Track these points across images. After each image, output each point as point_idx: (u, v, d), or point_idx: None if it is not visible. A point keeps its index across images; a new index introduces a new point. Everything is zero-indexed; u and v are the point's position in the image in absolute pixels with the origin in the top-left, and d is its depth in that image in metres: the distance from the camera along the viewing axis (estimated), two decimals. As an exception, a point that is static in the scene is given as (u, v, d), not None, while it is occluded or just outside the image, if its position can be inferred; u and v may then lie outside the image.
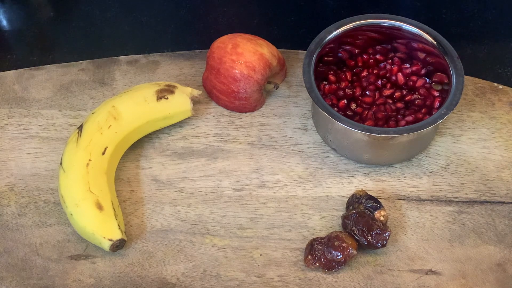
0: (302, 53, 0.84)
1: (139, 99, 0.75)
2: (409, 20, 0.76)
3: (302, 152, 0.76)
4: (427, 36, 0.75)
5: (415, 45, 0.77)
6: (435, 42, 0.74)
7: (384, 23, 0.76)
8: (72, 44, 0.88)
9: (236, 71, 0.76)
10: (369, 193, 0.71)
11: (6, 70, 0.84)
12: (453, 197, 0.72)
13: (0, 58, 0.87)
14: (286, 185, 0.74)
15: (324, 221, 0.71)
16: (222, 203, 0.73)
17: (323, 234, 0.70)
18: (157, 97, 0.75)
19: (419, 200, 0.72)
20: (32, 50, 0.88)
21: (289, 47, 0.85)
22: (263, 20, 0.92)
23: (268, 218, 0.72)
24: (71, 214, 0.68)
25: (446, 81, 0.75)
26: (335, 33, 0.76)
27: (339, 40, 0.77)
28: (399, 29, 0.76)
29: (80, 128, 0.73)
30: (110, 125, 0.73)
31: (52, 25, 0.91)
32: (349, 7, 0.92)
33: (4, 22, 0.91)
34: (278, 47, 0.79)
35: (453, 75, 0.73)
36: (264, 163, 0.76)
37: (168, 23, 0.91)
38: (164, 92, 0.76)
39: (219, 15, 0.92)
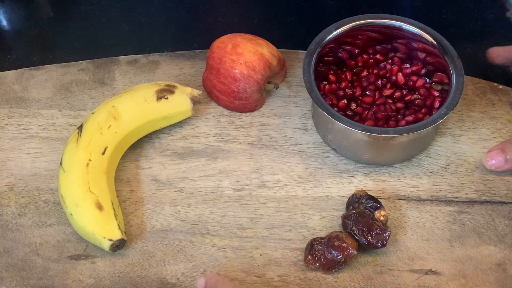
0: (302, 53, 0.84)
1: (139, 99, 0.75)
2: (409, 20, 0.76)
3: (302, 152, 0.76)
4: (427, 36, 0.75)
5: (415, 45, 0.77)
6: (435, 42, 0.74)
7: (384, 23, 0.76)
8: (72, 44, 0.88)
9: (236, 71, 0.76)
10: (369, 193, 0.71)
11: (6, 70, 0.84)
12: (453, 197, 0.72)
13: (0, 58, 0.87)
14: (286, 185, 0.74)
15: (324, 221, 0.71)
16: (222, 203, 0.73)
17: (323, 234, 0.70)
18: (157, 97, 0.75)
19: (419, 200, 0.72)
20: (32, 50, 0.88)
21: (289, 47, 0.85)
22: (263, 20, 0.92)
23: (268, 218, 0.72)
24: (71, 214, 0.68)
25: (446, 81, 0.75)
26: (335, 33, 0.76)
27: (339, 40, 0.77)
28: (399, 29, 0.76)
29: (80, 128, 0.73)
30: (110, 125, 0.73)
31: (52, 25, 0.91)
32: (349, 7, 0.92)
33: (4, 22, 0.91)
34: (278, 47, 0.79)
35: (453, 75, 0.72)
36: (264, 163, 0.76)
37: (168, 23, 0.91)
38: (164, 92, 0.76)
39: (219, 15, 0.92)
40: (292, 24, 0.91)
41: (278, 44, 0.80)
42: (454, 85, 0.72)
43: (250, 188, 0.74)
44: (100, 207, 0.68)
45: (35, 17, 0.92)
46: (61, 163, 0.71)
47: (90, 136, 0.72)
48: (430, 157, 0.75)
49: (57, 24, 0.91)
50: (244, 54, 0.76)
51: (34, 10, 0.93)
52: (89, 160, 0.70)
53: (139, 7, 0.92)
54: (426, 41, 0.75)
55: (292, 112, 0.80)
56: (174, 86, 0.77)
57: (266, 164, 0.76)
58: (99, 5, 0.92)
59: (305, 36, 0.88)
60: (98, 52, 0.86)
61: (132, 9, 0.92)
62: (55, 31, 0.90)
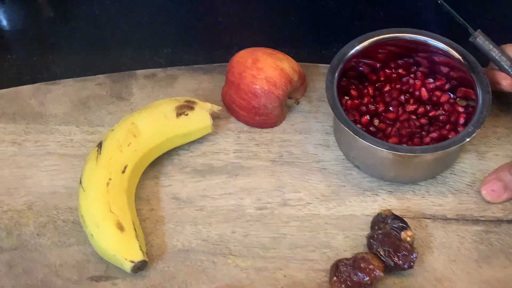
0: (322, 67, 0.83)
1: (158, 116, 0.74)
2: (434, 35, 0.74)
3: (324, 169, 0.75)
4: (454, 51, 0.73)
5: (437, 58, 0.76)
6: (461, 58, 0.73)
7: (410, 37, 0.75)
8: (72, 44, 0.88)
9: (257, 86, 0.75)
10: (394, 211, 0.70)
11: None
12: (480, 216, 0.71)
13: (0, 58, 0.86)
14: (309, 203, 0.73)
15: (349, 241, 0.70)
16: (244, 222, 0.71)
17: (347, 254, 0.69)
18: (176, 113, 0.74)
19: (445, 219, 0.71)
20: (32, 50, 0.88)
21: (289, 47, 0.83)
22: (263, 20, 0.91)
23: (291, 237, 0.70)
24: (92, 235, 0.67)
25: (471, 96, 0.74)
26: (358, 47, 0.75)
27: (361, 54, 0.76)
28: (424, 44, 0.75)
29: (100, 145, 0.72)
30: (130, 143, 0.72)
31: (52, 25, 0.91)
32: (349, 7, 0.91)
33: (4, 22, 0.91)
34: (278, 47, 0.78)
35: (479, 92, 0.71)
36: (285, 181, 0.74)
37: (168, 22, 0.91)
38: (184, 108, 0.75)
39: (219, 15, 0.91)
40: (292, 24, 0.90)
41: (278, 44, 0.79)
42: (480, 101, 0.70)
43: (272, 206, 0.72)
44: (121, 227, 0.67)
45: (35, 17, 0.92)
46: (80, 182, 0.70)
47: (109, 154, 0.70)
48: (455, 174, 0.74)
49: (57, 24, 0.91)
50: (265, 69, 0.75)
51: (34, 10, 0.92)
52: (109, 179, 0.69)
53: (139, 7, 0.92)
54: (452, 57, 0.73)
55: (313, 127, 0.78)
56: (193, 102, 0.75)
57: (288, 181, 0.74)
58: (99, 5, 0.92)
59: (305, 35, 0.88)
60: (99, 52, 0.86)
61: (132, 9, 0.92)
62: (55, 31, 0.90)
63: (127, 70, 0.84)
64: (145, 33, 0.89)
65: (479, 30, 0.72)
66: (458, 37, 0.75)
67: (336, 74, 0.73)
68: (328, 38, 0.89)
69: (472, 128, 0.69)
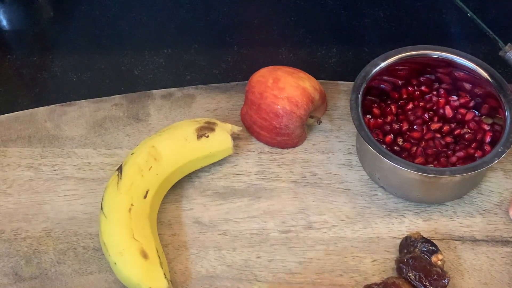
0: (342, 84, 0.82)
1: (179, 138, 0.72)
2: (460, 52, 0.73)
3: (349, 190, 0.74)
4: (481, 70, 0.72)
5: (460, 75, 0.74)
6: (488, 76, 0.72)
7: (439, 55, 0.73)
8: (72, 44, 0.87)
9: (279, 106, 0.73)
10: (421, 233, 0.68)
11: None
12: (509, 237, 0.70)
13: (0, 58, 0.85)
14: (334, 226, 0.71)
15: (376, 265, 0.68)
16: (269, 246, 0.70)
17: (376, 278, 0.67)
18: (197, 135, 0.73)
19: (474, 240, 0.69)
20: (32, 50, 0.87)
21: (289, 47, 0.83)
22: (263, 20, 0.91)
23: (318, 262, 0.69)
24: (115, 263, 0.65)
25: (496, 114, 0.72)
26: (381, 65, 0.73)
27: (383, 72, 0.74)
28: (451, 62, 0.73)
29: (120, 170, 0.70)
30: (151, 167, 0.70)
31: (52, 25, 0.91)
32: (349, 6, 0.91)
33: (4, 22, 0.90)
34: (278, 47, 0.77)
35: (508, 111, 0.70)
36: (309, 203, 0.73)
37: (168, 22, 0.90)
38: (205, 130, 0.73)
39: (219, 15, 0.91)
40: (292, 24, 0.89)
41: (277, 44, 0.78)
42: (509, 120, 0.69)
43: (296, 229, 0.71)
44: (145, 255, 0.65)
45: (35, 17, 0.92)
46: (101, 208, 0.68)
47: (131, 179, 0.69)
48: (482, 194, 0.73)
49: (57, 24, 0.90)
50: (286, 88, 0.74)
51: (34, 10, 0.92)
52: (131, 204, 0.67)
53: (139, 7, 0.91)
54: (478, 75, 0.72)
55: (335, 147, 0.77)
56: (214, 123, 0.74)
57: (312, 203, 0.73)
58: (99, 5, 0.92)
59: (305, 36, 0.87)
60: (99, 52, 0.85)
61: (132, 8, 0.91)
62: (55, 31, 0.90)
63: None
64: (145, 33, 0.88)
65: (509, 44, 0.70)
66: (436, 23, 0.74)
67: (360, 94, 0.71)
68: (328, 38, 0.88)
69: (501, 148, 0.67)
